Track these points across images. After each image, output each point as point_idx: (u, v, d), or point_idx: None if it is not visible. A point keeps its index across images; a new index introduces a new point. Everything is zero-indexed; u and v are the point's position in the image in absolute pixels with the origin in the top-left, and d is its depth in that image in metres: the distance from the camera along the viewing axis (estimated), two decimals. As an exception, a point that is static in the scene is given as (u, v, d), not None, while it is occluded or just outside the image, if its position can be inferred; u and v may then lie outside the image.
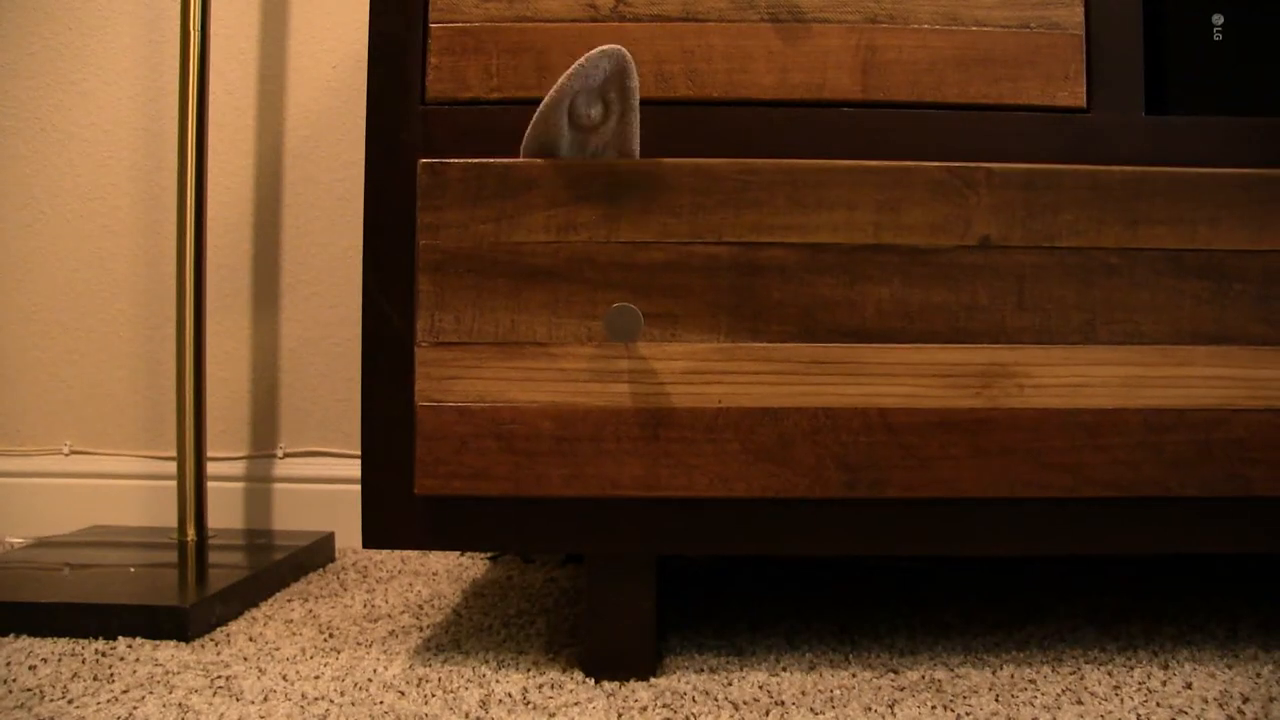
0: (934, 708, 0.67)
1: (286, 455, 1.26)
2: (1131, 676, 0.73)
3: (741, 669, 0.75)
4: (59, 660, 0.76)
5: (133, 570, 0.95)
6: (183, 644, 0.81)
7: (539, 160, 0.71)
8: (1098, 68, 0.75)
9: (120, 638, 0.82)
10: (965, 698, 0.69)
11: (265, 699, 0.69)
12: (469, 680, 0.72)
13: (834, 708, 0.67)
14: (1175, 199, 0.72)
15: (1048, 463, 0.71)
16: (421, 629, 0.86)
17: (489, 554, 1.15)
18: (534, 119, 0.71)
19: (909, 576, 1.04)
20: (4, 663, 0.75)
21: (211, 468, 1.21)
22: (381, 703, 0.68)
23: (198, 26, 1.10)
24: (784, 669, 0.75)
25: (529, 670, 0.75)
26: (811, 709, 0.67)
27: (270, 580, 0.98)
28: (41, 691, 0.69)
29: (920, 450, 0.71)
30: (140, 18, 1.27)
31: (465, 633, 0.85)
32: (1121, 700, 0.69)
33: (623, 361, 0.71)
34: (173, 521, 1.20)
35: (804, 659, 0.77)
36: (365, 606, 0.93)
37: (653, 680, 0.73)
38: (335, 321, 1.26)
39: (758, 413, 0.71)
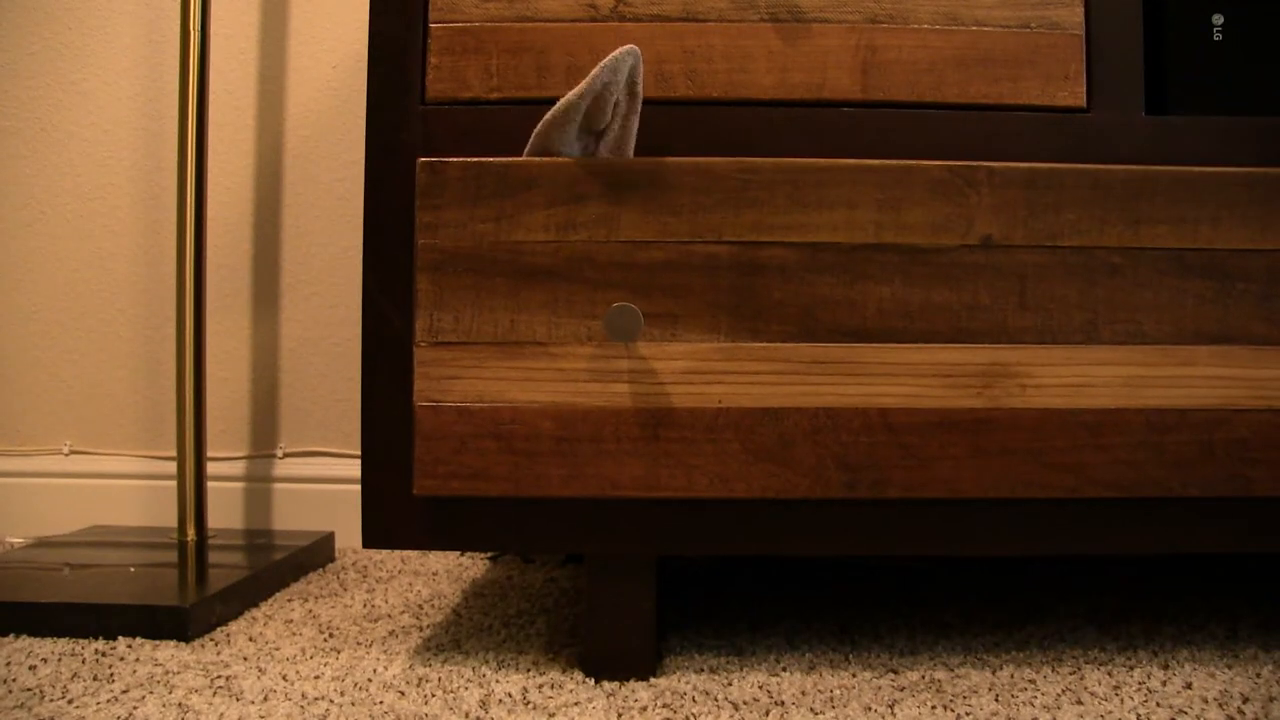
0: (934, 708, 0.67)
1: (286, 455, 1.26)
2: (1131, 676, 0.73)
3: (741, 669, 0.75)
4: (59, 660, 0.76)
5: (133, 570, 0.95)
6: (183, 644, 0.81)
7: (538, 159, 0.71)
8: (1098, 68, 0.75)
9: (120, 638, 0.82)
10: (965, 698, 0.69)
11: (265, 699, 0.68)
12: (469, 680, 0.72)
13: (834, 708, 0.67)
14: (1177, 198, 0.72)
15: (1049, 463, 0.71)
16: (421, 629, 0.86)
17: (489, 554, 1.14)
18: (543, 123, 0.71)
19: (909, 576, 1.04)
20: (4, 663, 0.75)
21: (211, 468, 1.21)
22: (381, 703, 0.68)
23: (198, 26, 1.10)
24: (784, 669, 0.75)
25: (529, 670, 0.75)
26: (811, 709, 0.67)
27: (270, 580, 0.98)
28: (41, 691, 0.69)
29: (921, 450, 0.71)
30: (140, 18, 1.27)
31: (465, 633, 0.85)
32: (1121, 700, 0.68)
33: (623, 361, 0.71)
34: (173, 521, 1.20)
35: (804, 659, 0.77)
36: (365, 606, 0.93)
37: (653, 680, 0.73)
38: (335, 321, 1.26)
39: (758, 413, 0.71)
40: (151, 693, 0.70)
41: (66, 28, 1.27)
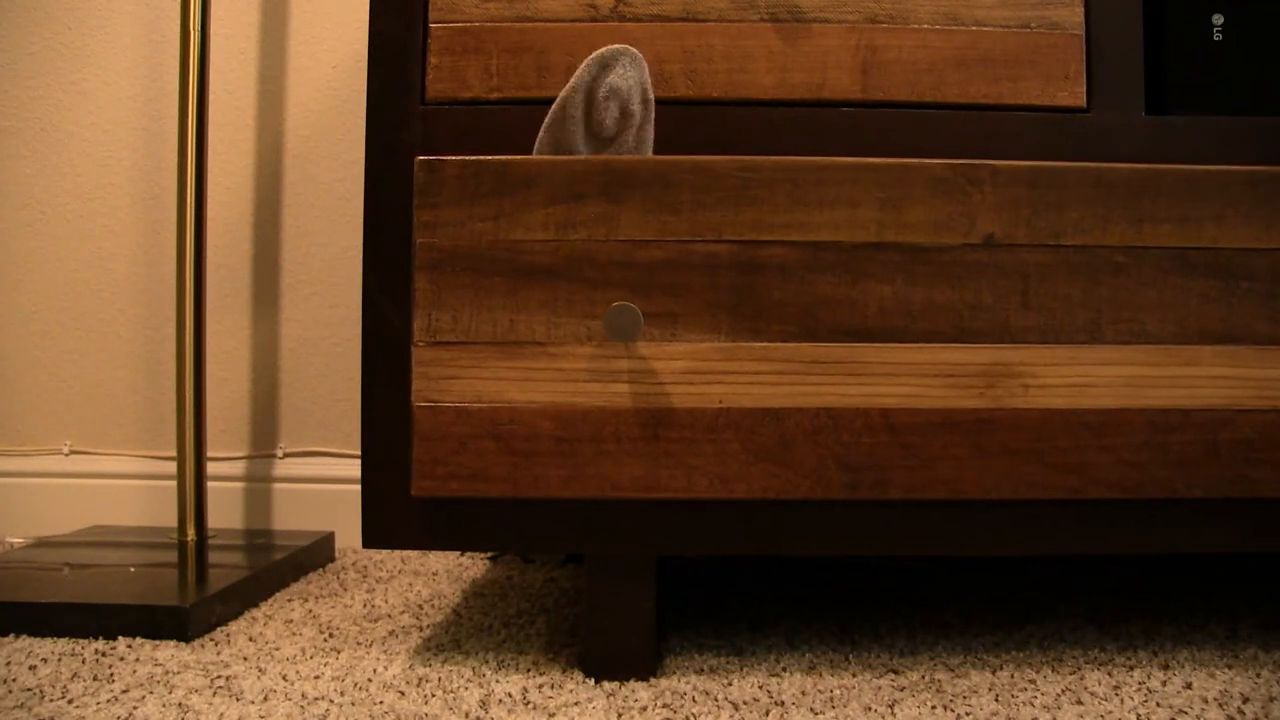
0: (934, 708, 0.67)
1: (286, 455, 1.26)
2: (1131, 676, 0.73)
3: (741, 669, 0.75)
4: (59, 660, 0.76)
5: (133, 570, 0.95)
6: (183, 644, 0.81)
7: (537, 157, 0.71)
8: (1098, 68, 0.75)
9: (120, 638, 0.81)
10: (965, 698, 0.69)
11: (265, 699, 0.68)
12: (469, 680, 0.72)
13: (834, 708, 0.67)
14: (1181, 196, 0.72)
15: (1052, 463, 0.71)
16: (421, 629, 0.86)
17: (489, 554, 1.14)
18: (542, 129, 0.71)
19: (909, 576, 1.04)
20: (4, 663, 0.75)
21: (211, 468, 1.21)
22: (381, 703, 0.68)
23: (198, 26, 1.10)
24: (784, 669, 0.75)
25: (529, 670, 0.75)
26: (811, 709, 0.67)
27: (270, 580, 0.98)
28: (41, 691, 0.69)
29: (923, 451, 0.71)
30: (140, 18, 1.27)
31: (465, 633, 0.84)
32: (1121, 700, 0.68)
33: (622, 361, 0.71)
34: (173, 521, 1.20)
35: (804, 659, 0.77)
36: (365, 606, 0.93)
37: (653, 680, 0.73)
38: (335, 321, 1.26)
39: (758, 413, 0.71)
40: (151, 693, 0.69)
41: (66, 28, 1.27)
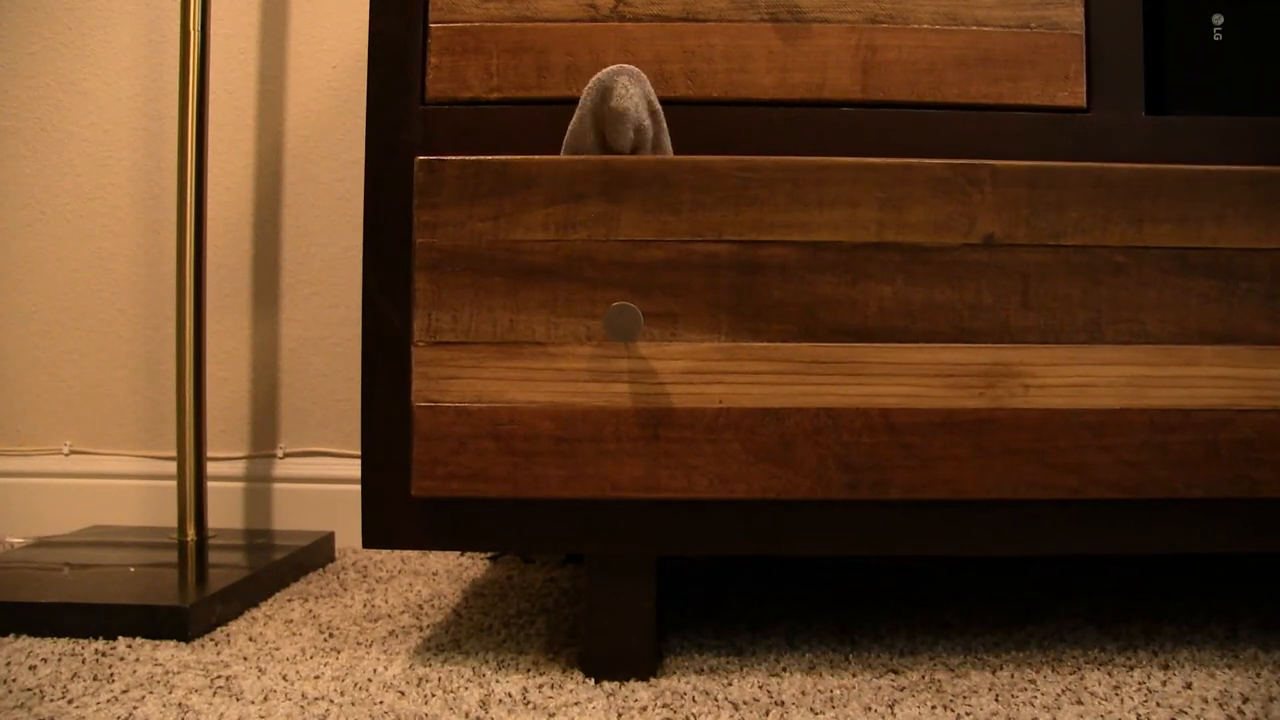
0: (934, 708, 0.67)
1: (286, 455, 1.26)
2: (1131, 676, 0.73)
3: (741, 669, 0.75)
4: (59, 660, 0.76)
5: (133, 570, 0.95)
6: (183, 644, 0.81)
7: (537, 157, 0.71)
8: (1098, 68, 0.75)
9: (120, 638, 0.81)
10: (965, 698, 0.69)
11: (265, 699, 0.68)
12: (469, 680, 0.72)
13: (834, 708, 0.67)
14: (1181, 196, 0.72)
15: (1052, 464, 0.71)
16: (421, 629, 0.86)
17: (489, 554, 1.14)
18: (563, 153, 0.72)
19: (909, 576, 1.04)
20: (4, 663, 0.75)
21: (211, 468, 1.21)
22: (381, 703, 0.68)
23: (198, 26, 1.10)
24: (784, 669, 0.75)
25: (529, 670, 0.75)
26: (811, 709, 0.67)
27: (270, 580, 0.98)
28: (41, 691, 0.69)
29: (923, 451, 0.71)
30: (140, 18, 1.27)
31: (465, 633, 0.84)
32: (1121, 700, 0.68)
33: (622, 361, 0.71)
34: (173, 521, 1.20)
35: (804, 659, 0.77)
36: (365, 606, 0.93)
37: (653, 680, 0.73)
38: (335, 321, 1.26)
39: (759, 413, 0.71)
40: (151, 693, 0.69)
41: (66, 28, 1.27)
